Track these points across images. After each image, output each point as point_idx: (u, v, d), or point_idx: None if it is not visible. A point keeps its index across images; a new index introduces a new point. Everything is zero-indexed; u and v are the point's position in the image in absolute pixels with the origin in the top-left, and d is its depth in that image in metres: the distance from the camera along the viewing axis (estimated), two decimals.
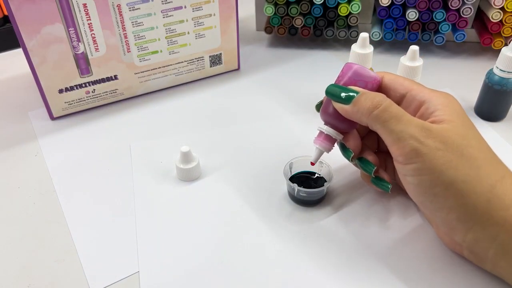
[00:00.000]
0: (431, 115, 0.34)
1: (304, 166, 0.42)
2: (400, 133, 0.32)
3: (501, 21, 0.59)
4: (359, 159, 0.38)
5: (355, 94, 0.35)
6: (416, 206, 0.41)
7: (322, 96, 0.57)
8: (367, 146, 0.39)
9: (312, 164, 0.40)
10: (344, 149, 0.38)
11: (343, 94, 0.35)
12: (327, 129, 0.38)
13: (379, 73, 0.38)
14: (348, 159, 0.38)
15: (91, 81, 0.53)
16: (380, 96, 0.34)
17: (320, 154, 0.39)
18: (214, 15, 0.56)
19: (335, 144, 0.39)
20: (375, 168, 0.37)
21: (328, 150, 0.39)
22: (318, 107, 0.39)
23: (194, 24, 0.55)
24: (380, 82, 0.37)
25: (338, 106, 0.36)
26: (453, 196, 0.31)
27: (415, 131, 0.32)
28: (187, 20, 0.55)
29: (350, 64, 0.37)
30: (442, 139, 0.31)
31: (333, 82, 0.38)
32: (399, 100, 0.37)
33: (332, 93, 0.36)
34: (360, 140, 0.39)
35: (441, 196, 0.31)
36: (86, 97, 0.54)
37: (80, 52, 0.50)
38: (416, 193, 0.33)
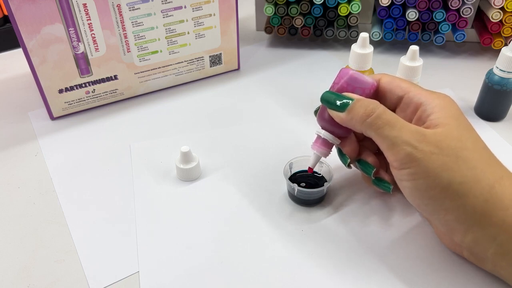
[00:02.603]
0: (428, 118, 0.34)
1: (304, 166, 0.42)
2: (394, 139, 0.32)
3: (501, 21, 0.59)
4: (358, 161, 0.38)
5: (349, 101, 0.35)
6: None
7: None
8: (366, 148, 0.39)
9: (310, 169, 0.40)
10: (341, 154, 0.38)
11: (337, 102, 0.35)
12: (324, 134, 0.38)
13: (376, 75, 0.38)
14: (345, 165, 0.38)
15: (91, 81, 0.53)
16: (373, 104, 0.34)
17: (318, 159, 0.39)
18: (214, 15, 0.56)
19: (333, 148, 0.39)
20: (375, 169, 0.37)
21: (325, 155, 0.39)
22: (317, 112, 0.39)
23: (194, 24, 0.55)
24: (377, 87, 0.37)
25: (333, 113, 0.36)
26: (450, 197, 0.31)
27: (409, 136, 0.32)
28: (187, 20, 0.55)
29: (346, 70, 0.37)
30: (436, 144, 0.32)
31: (330, 85, 0.38)
32: (397, 102, 0.37)
33: (327, 100, 0.36)
34: (357, 144, 0.39)
35: (437, 198, 0.31)
36: (86, 97, 0.54)
37: (80, 52, 0.50)
38: (412, 197, 0.33)
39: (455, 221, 0.32)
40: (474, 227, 0.31)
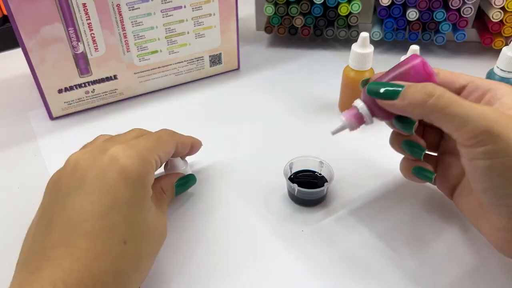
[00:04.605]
0: (498, 101, 0.32)
1: (304, 166, 0.42)
2: (466, 116, 0.29)
3: (501, 20, 0.59)
4: (406, 143, 0.36)
5: (400, 89, 0.32)
6: (416, 208, 0.41)
7: (321, 96, 0.57)
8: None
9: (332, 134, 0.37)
10: (412, 145, 0.36)
11: (388, 89, 0.33)
12: (362, 107, 0.35)
13: (433, 69, 0.35)
14: (420, 157, 0.35)
15: (91, 81, 0.53)
16: (430, 85, 0.31)
17: (343, 129, 0.37)
18: (214, 14, 0.56)
19: (361, 126, 0.37)
20: (425, 152, 0.35)
21: (352, 129, 0.36)
22: (364, 83, 0.37)
23: (194, 24, 0.55)
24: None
25: (385, 103, 0.33)
26: None
27: (485, 111, 0.29)
28: (186, 20, 0.55)
29: (417, 57, 0.34)
30: None
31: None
32: (458, 92, 0.34)
33: (375, 90, 0.34)
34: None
35: None
36: (86, 97, 0.54)
37: (79, 52, 0.50)
38: (484, 179, 0.30)
39: None
40: None
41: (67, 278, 0.26)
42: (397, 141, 0.37)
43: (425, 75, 0.34)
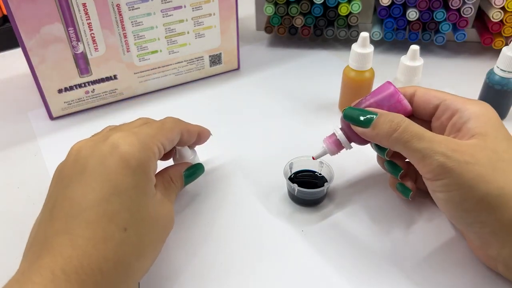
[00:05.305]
0: (463, 125, 0.33)
1: (304, 166, 0.42)
2: (425, 151, 0.31)
3: (501, 20, 0.59)
4: (388, 163, 0.39)
5: (373, 116, 0.34)
6: (417, 207, 0.41)
7: (321, 96, 0.57)
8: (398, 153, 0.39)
9: (313, 158, 0.40)
10: (393, 165, 0.38)
11: (361, 117, 0.35)
12: (340, 135, 0.38)
13: (411, 88, 0.38)
14: (396, 176, 0.38)
15: (91, 81, 0.53)
16: (398, 118, 0.33)
17: (324, 154, 0.39)
18: (214, 14, 0.56)
19: (342, 151, 0.39)
20: (402, 171, 0.37)
21: (332, 154, 0.39)
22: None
23: (194, 24, 0.55)
24: (411, 112, 0.37)
25: (358, 129, 0.35)
26: (486, 210, 0.30)
27: (440, 146, 0.31)
28: (186, 20, 0.55)
29: (389, 86, 0.37)
30: (471, 153, 0.30)
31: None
32: (432, 112, 0.36)
33: (351, 116, 0.36)
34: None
35: (473, 210, 0.30)
36: (86, 97, 0.54)
37: (79, 51, 0.50)
38: (447, 209, 0.32)
39: (490, 233, 0.31)
40: (511, 241, 0.30)
41: (66, 266, 0.26)
42: (381, 161, 0.40)
43: (397, 102, 0.36)
